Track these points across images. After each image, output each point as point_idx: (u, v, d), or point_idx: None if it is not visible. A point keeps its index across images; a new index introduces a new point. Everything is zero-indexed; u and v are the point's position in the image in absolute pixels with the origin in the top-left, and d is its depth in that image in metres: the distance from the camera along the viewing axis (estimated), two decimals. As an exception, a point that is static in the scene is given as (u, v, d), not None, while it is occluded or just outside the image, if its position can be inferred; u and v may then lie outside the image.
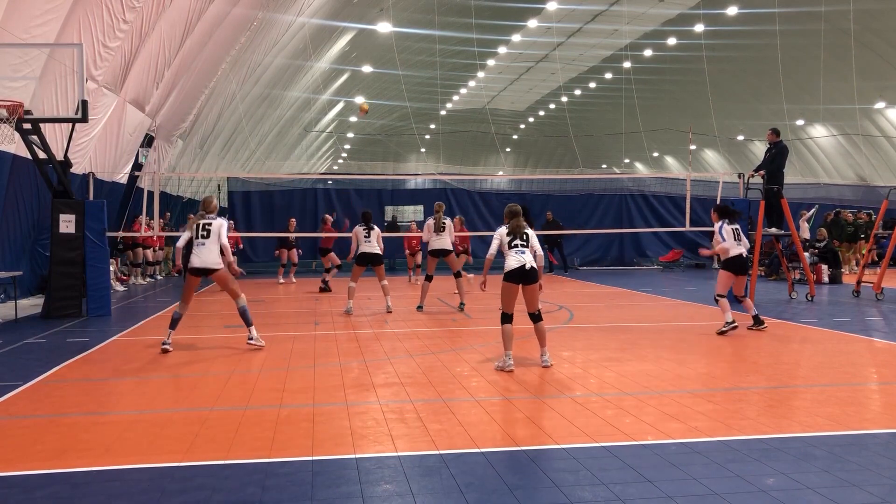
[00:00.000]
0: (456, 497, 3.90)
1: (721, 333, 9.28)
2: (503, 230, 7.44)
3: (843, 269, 18.98)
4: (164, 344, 8.35)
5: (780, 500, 3.84)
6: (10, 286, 12.41)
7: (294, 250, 18.24)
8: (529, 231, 7.43)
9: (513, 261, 7.21)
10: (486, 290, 7.78)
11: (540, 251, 7.42)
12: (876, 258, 17.25)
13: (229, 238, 9.20)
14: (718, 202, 12.50)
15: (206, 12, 17.23)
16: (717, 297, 9.61)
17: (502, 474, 4.23)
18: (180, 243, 8.74)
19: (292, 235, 17.93)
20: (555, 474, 4.22)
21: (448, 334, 9.69)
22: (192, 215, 8.81)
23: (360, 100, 40.65)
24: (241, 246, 19.82)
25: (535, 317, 7.36)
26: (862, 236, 20.81)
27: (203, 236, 8.38)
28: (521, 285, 7.20)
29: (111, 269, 14.08)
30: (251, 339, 8.54)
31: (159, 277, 19.52)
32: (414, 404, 5.85)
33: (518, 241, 7.30)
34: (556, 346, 8.77)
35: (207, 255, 8.34)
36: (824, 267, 17.67)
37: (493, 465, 4.40)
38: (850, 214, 22.22)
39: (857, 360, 7.83)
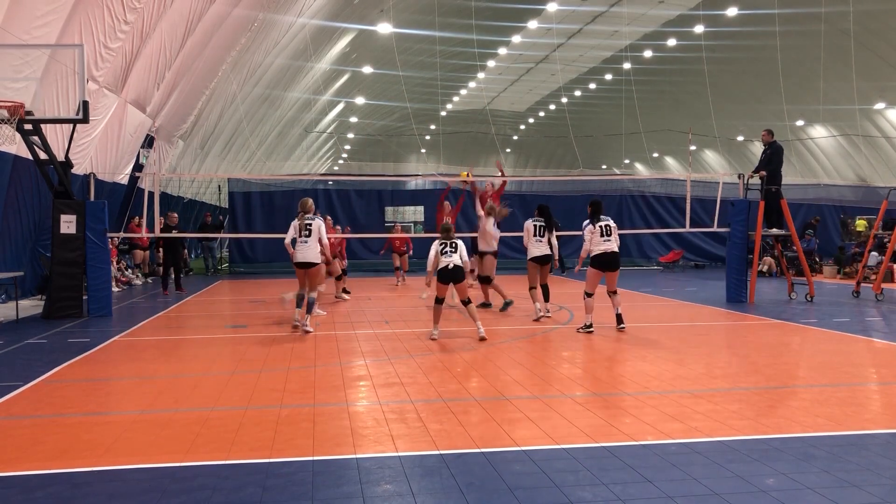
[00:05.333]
0: (456, 497, 3.91)
1: (579, 331, 9.67)
2: (437, 244, 9.36)
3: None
4: (298, 322, 9.83)
5: (780, 500, 3.85)
6: (10, 286, 12.43)
7: (404, 256, 18.05)
8: (459, 242, 9.45)
9: (443, 262, 9.30)
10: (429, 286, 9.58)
11: (466, 257, 9.38)
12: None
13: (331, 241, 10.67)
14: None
15: (206, 13, 17.26)
16: (584, 295, 9.85)
17: (502, 474, 4.24)
18: (287, 240, 9.83)
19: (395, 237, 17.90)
20: (555, 474, 4.22)
21: (448, 334, 9.69)
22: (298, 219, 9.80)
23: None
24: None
25: (466, 303, 9.40)
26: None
27: (305, 235, 9.70)
28: (450, 283, 9.34)
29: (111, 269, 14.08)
30: (305, 324, 9.72)
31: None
32: (414, 404, 5.85)
33: (448, 249, 9.36)
34: (556, 346, 8.79)
35: (308, 251, 9.72)
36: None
37: (493, 465, 4.40)
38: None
39: (857, 360, 7.83)
